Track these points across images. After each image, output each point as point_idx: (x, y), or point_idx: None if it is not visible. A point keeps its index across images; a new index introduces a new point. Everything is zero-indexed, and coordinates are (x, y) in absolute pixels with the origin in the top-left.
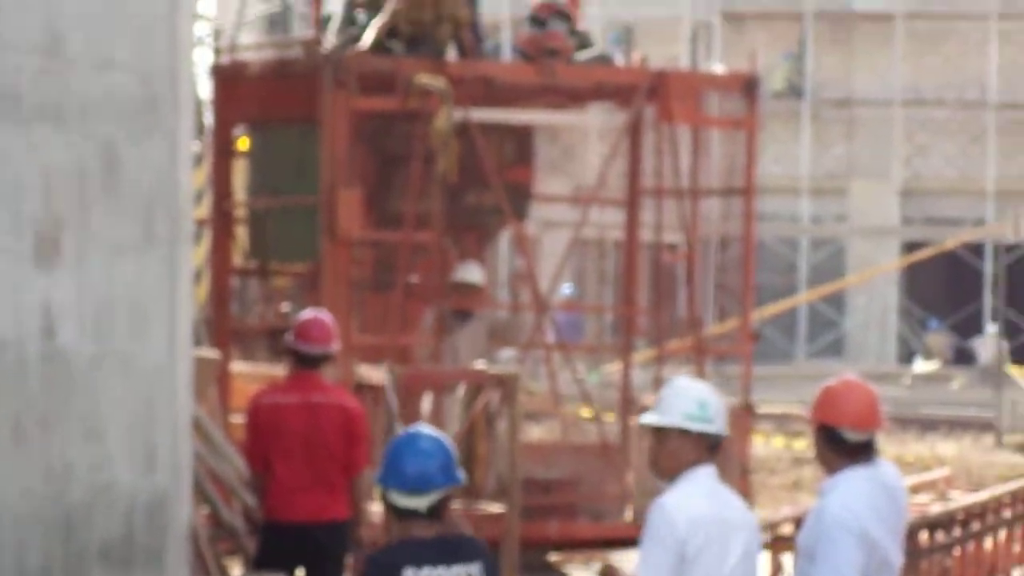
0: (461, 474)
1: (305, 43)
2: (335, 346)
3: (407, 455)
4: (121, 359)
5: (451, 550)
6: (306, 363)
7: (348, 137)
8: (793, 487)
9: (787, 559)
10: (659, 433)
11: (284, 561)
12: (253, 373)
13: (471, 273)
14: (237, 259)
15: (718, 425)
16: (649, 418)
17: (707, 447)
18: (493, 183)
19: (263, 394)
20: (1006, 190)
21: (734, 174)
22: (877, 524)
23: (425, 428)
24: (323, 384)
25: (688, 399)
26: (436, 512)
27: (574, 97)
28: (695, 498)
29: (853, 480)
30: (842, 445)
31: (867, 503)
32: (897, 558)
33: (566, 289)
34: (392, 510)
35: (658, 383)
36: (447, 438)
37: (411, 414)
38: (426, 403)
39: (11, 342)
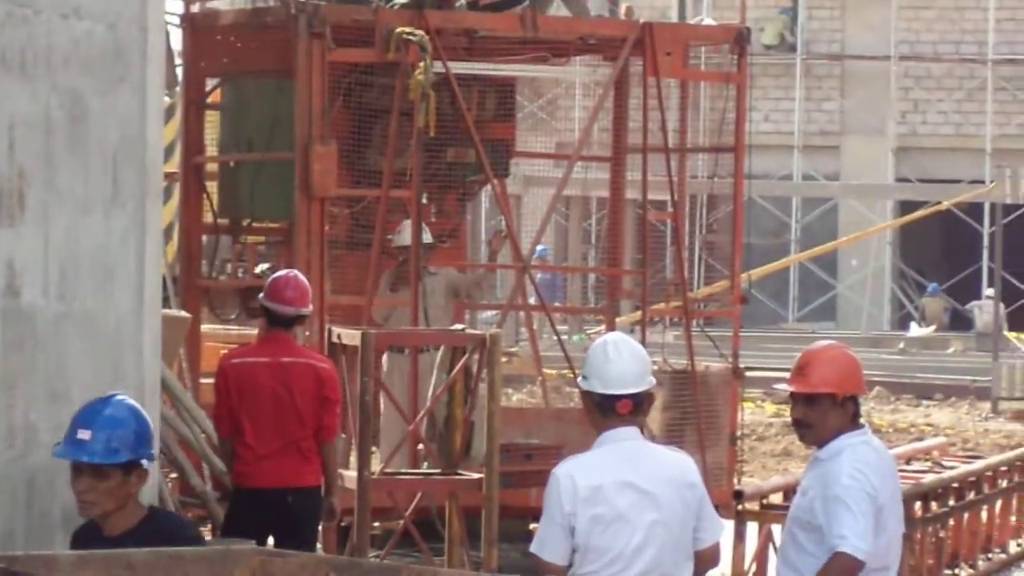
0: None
1: None
2: (308, 307)
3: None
4: (87, 318)
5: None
6: (278, 323)
7: (324, 90)
8: (783, 454)
9: (776, 529)
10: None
11: (254, 529)
12: (223, 334)
13: (405, 236)
14: (208, 216)
15: (597, 383)
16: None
17: (605, 408)
18: (474, 139)
19: (232, 355)
20: (1004, 148)
21: (723, 131)
22: (883, 490)
23: (123, 397)
24: (295, 345)
25: (585, 359)
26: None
27: (558, 50)
28: (595, 465)
29: (857, 446)
30: (841, 410)
31: (874, 469)
32: (899, 527)
33: (540, 249)
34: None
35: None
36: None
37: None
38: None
39: None
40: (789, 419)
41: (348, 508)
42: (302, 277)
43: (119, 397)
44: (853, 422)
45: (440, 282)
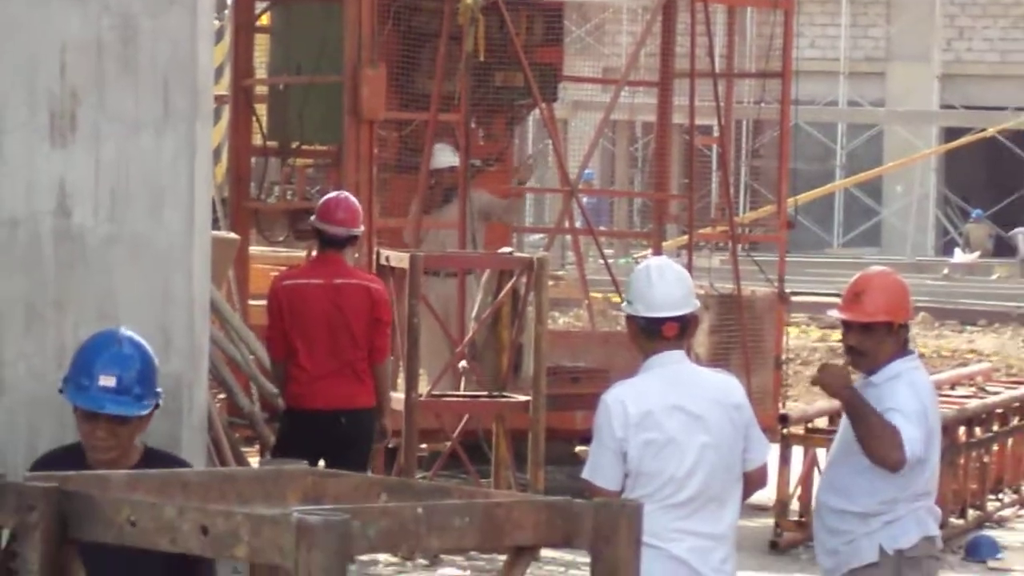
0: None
1: None
2: (360, 227)
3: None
4: (137, 240)
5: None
6: (330, 244)
7: (372, 14)
8: None
9: (821, 453)
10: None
11: (307, 449)
12: (272, 256)
13: (438, 159)
14: (257, 139)
15: (641, 306)
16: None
17: (650, 332)
18: (522, 63)
19: (284, 276)
20: None
21: (770, 56)
22: (933, 416)
23: (128, 332)
24: (347, 266)
25: (628, 284)
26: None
27: None
28: (644, 390)
29: (912, 371)
30: (895, 337)
31: (929, 393)
32: (938, 455)
33: (586, 174)
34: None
35: (690, 270)
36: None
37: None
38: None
39: (24, 220)
40: (834, 344)
41: (396, 430)
42: (353, 198)
43: (126, 333)
44: (904, 348)
45: (472, 206)
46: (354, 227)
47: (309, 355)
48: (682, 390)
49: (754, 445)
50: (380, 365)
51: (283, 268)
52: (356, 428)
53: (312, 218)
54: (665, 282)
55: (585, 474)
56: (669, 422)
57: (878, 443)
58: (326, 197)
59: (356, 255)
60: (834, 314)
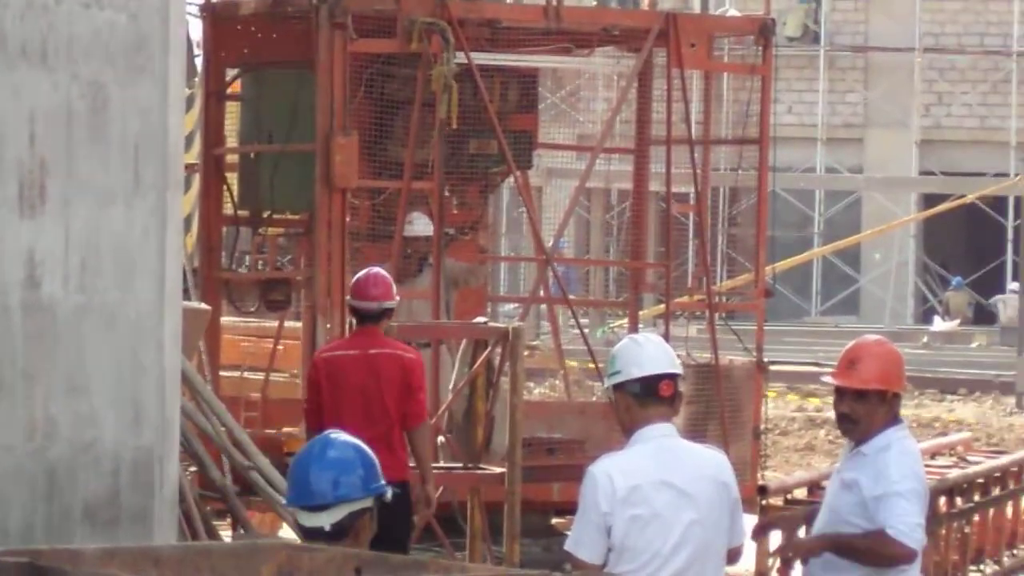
0: (380, 485)
1: None
2: (394, 299)
3: (313, 466)
4: (107, 310)
5: None
6: (367, 319)
7: (345, 81)
8: (807, 449)
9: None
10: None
11: None
12: (243, 326)
13: (414, 227)
14: (228, 207)
15: (634, 369)
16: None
17: (645, 396)
18: (496, 130)
19: (324, 349)
20: None
21: (747, 123)
22: (924, 485)
23: (340, 434)
24: (382, 337)
25: (611, 360)
26: (341, 532)
27: (581, 41)
28: (632, 463)
29: (904, 440)
30: (888, 406)
31: (919, 463)
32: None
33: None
34: (297, 531)
35: (667, 339)
36: (362, 445)
37: None
38: None
39: None
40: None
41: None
42: (384, 272)
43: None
44: (895, 418)
45: (444, 275)
46: (388, 300)
47: (342, 424)
48: (672, 465)
49: (736, 526)
50: (416, 431)
51: (252, 339)
52: (395, 500)
53: (348, 298)
54: (652, 344)
55: (568, 546)
56: (657, 498)
57: (879, 557)
58: (357, 276)
59: (328, 326)
60: (827, 380)
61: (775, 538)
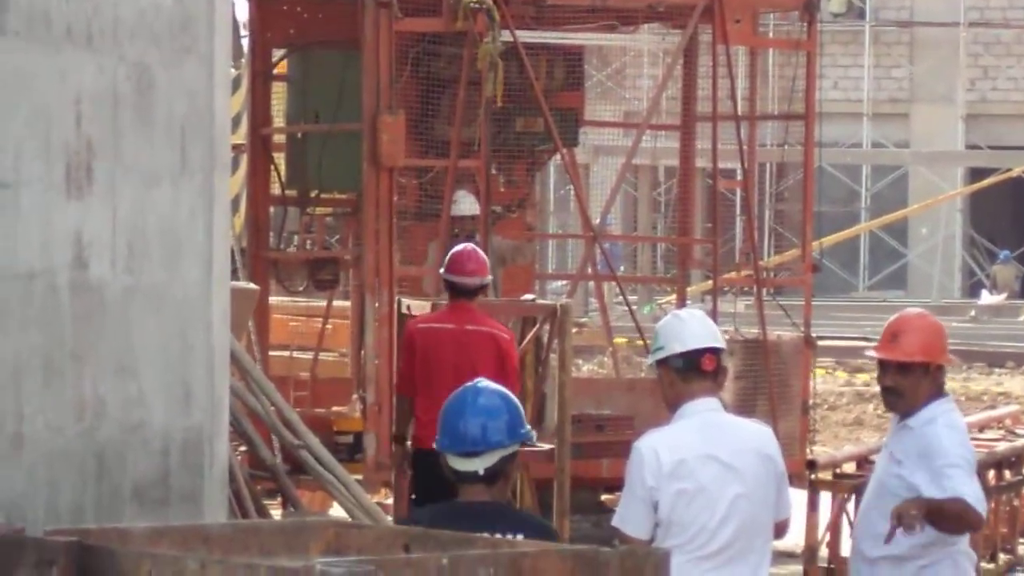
0: (527, 431)
1: None
2: (488, 276)
3: (466, 413)
4: (155, 291)
5: (494, 519)
6: (462, 294)
7: (391, 61)
8: (855, 423)
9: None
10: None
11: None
12: (292, 306)
13: (460, 206)
14: (275, 188)
15: (676, 344)
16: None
17: (688, 370)
18: (542, 108)
19: (420, 319)
20: None
21: (792, 99)
22: (974, 457)
23: (486, 382)
24: (478, 314)
25: (655, 335)
26: (494, 475)
27: (626, 18)
28: (678, 438)
29: (950, 413)
30: (931, 379)
31: (967, 435)
32: None
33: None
34: (451, 473)
35: (714, 315)
36: (508, 392)
37: None
38: None
39: (41, 273)
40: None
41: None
42: (479, 250)
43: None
44: (940, 391)
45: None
46: (485, 276)
47: (431, 397)
48: (717, 439)
49: (782, 499)
50: None
51: (301, 318)
52: None
53: (442, 271)
54: (695, 319)
55: (615, 522)
56: (703, 471)
57: (960, 524)
58: (453, 251)
59: (376, 304)
60: (871, 354)
61: (824, 509)
